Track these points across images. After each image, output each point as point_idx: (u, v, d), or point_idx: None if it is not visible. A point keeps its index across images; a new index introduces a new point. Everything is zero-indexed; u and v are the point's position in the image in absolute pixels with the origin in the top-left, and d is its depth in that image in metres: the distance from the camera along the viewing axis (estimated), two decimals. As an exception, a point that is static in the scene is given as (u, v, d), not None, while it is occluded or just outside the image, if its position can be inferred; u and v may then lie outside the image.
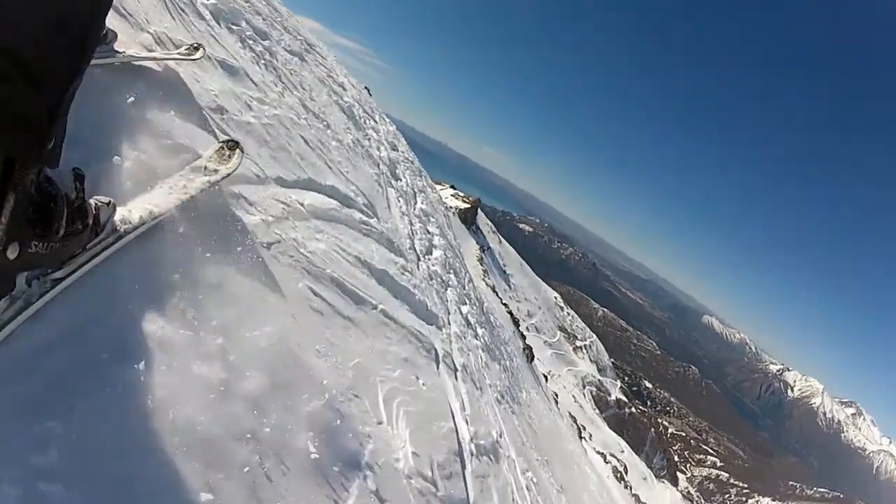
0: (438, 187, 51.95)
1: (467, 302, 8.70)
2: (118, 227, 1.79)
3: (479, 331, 8.65)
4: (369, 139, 8.18)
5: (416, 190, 9.83)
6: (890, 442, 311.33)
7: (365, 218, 4.58)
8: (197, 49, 3.14)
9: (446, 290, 7.27)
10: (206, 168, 2.35)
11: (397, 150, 10.92)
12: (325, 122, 5.61)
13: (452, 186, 71.26)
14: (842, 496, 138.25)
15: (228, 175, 2.41)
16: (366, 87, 16.70)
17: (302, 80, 6.06)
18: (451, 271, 8.81)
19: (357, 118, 8.17)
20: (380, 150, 8.52)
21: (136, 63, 2.55)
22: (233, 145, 2.58)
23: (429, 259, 7.08)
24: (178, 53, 2.96)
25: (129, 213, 1.87)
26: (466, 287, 10.32)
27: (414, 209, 8.30)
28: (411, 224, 7.12)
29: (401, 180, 8.72)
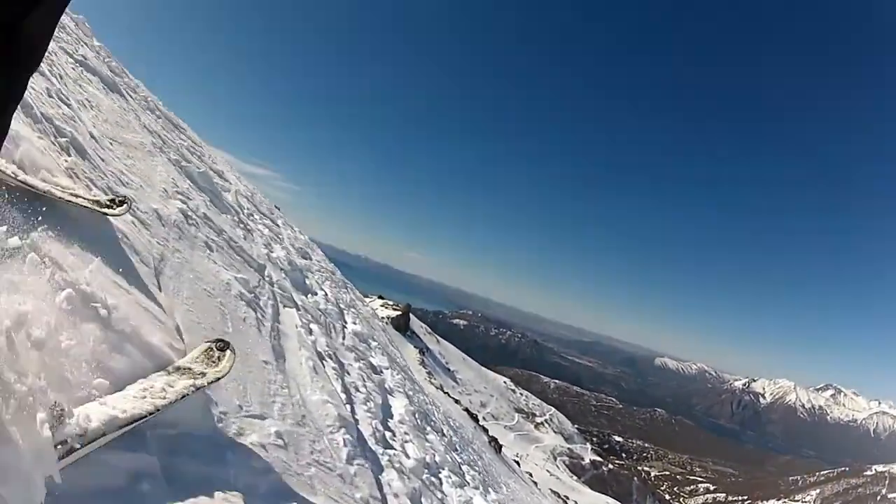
0: (367, 300, 49.30)
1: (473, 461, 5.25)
2: (69, 442, 1.36)
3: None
4: (246, 226, 4.82)
5: (341, 306, 6.44)
6: (879, 403, 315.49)
7: None
8: (122, 203, 2.68)
9: (441, 483, 3.76)
10: (191, 370, 2.00)
11: (310, 259, 7.68)
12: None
13: (380, 296, 69.01)
14: (847, 469, 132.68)
15: (218, 380, 2.01)
16: (276, 206, 13.52)
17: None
18: (425, 421, 5.39)
19: (211, 187, 4.80)
20: (272, 248, 5.17)
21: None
22: (222, 346, 2.22)
23: (395, 441, 3.58)
24: (98, 203, 2.54)
25: (87, 420, 1.45)
26: (447, 431, 6.87)
27: (343, 338, 4.87)
28: (342, 378, 3.63)
29: (315, 294, 5.34)
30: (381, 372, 5.16)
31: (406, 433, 3.89)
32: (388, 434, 3.53)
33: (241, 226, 4.71)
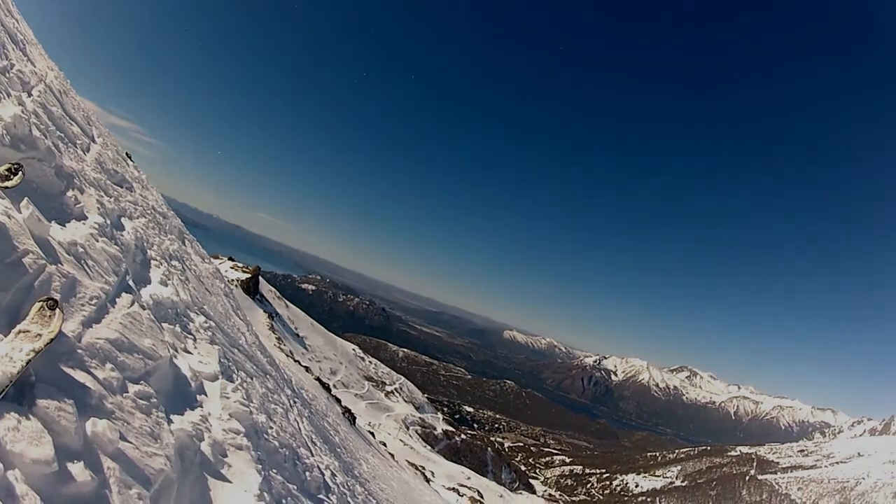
0: (216, 261, 47.72)
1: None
2: None
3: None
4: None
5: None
6: (739, 388, 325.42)
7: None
8: (15, 172, 2.77)
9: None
10: (29, 332, 2.03)
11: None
12: None
13: (230, 258, 66.70)
14: (709, 448, 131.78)
15: (51, 341, 2.03)
16: (127, 154, 12.77)
17: None
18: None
19: None
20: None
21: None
22: (52, 304, 2.22)
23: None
24: None
25: None
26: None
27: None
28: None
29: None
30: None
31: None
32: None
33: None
